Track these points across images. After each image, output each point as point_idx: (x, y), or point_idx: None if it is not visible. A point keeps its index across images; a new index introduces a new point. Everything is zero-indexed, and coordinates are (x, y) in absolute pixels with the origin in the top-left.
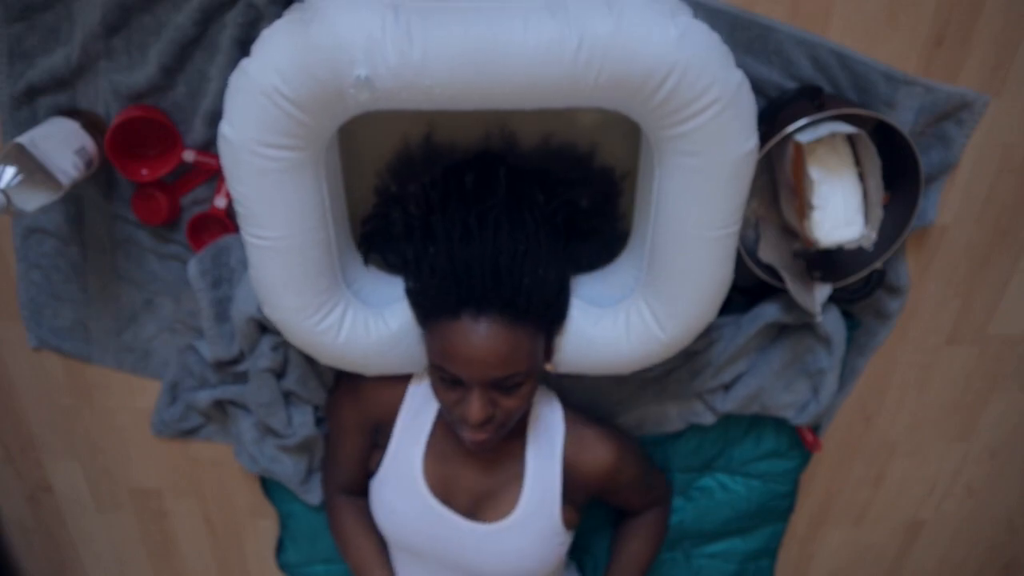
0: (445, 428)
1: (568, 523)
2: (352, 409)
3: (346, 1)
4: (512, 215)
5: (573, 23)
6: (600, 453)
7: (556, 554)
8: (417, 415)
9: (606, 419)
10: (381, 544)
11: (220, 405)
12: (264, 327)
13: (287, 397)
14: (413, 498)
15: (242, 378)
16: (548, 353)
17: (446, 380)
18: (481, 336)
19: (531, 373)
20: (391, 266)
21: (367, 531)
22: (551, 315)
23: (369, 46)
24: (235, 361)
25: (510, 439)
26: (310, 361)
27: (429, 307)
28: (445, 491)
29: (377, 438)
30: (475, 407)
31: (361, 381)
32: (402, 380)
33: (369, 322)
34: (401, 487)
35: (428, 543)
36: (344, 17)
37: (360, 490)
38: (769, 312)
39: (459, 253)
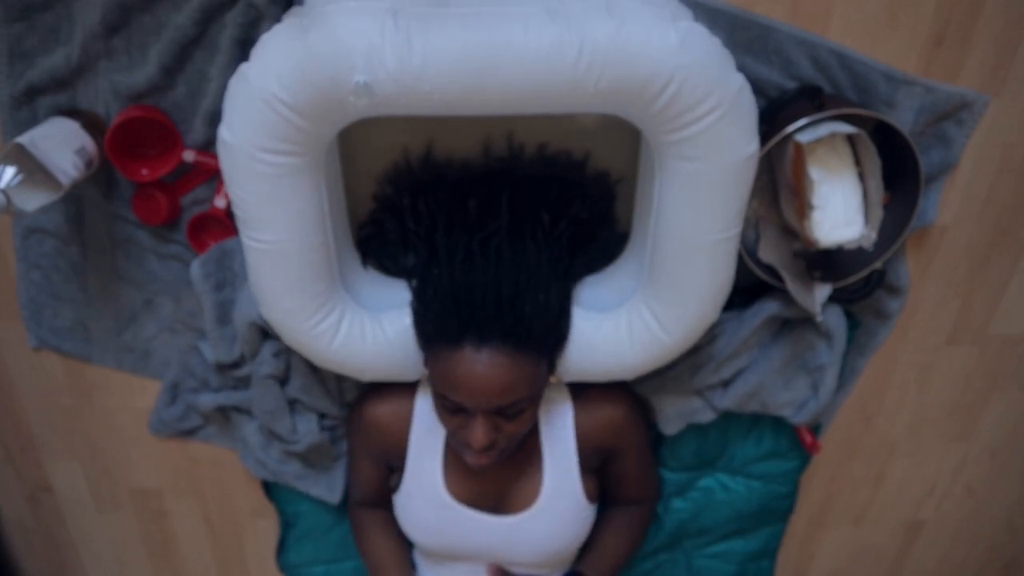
0: None
1: (590, 495)
2: (362, 440)
3: (346, 7)
4: (514, 241)
5: (573, 28)
6: (610, 408)
7: (583, 528)
8: (429, 431)
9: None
10: (400, 548)
11: (223, 410)
12: (266, 333)
13: (291, 405)
14: (439, 508)
15: (244, 383)
16: (551, 368)
17: (448, 407)
18: (484, 366)
19: (534, 399)
20: (388, 272)
21: (385, 537)
22: (553, 339)
23: (368, 52)
24: (236, 364)
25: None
26: (314, 369)
27: (431, 333)
28: (469, 495)
29: (392, 463)
30: (479, 434)
31: (366, 414)
32: (406, 397)
33: (366, 327)
34: (425, 500)
35: (460, 546)
36: (343, 23)
37: (380, 503)
38: (771, 306)
39: (461, 280)
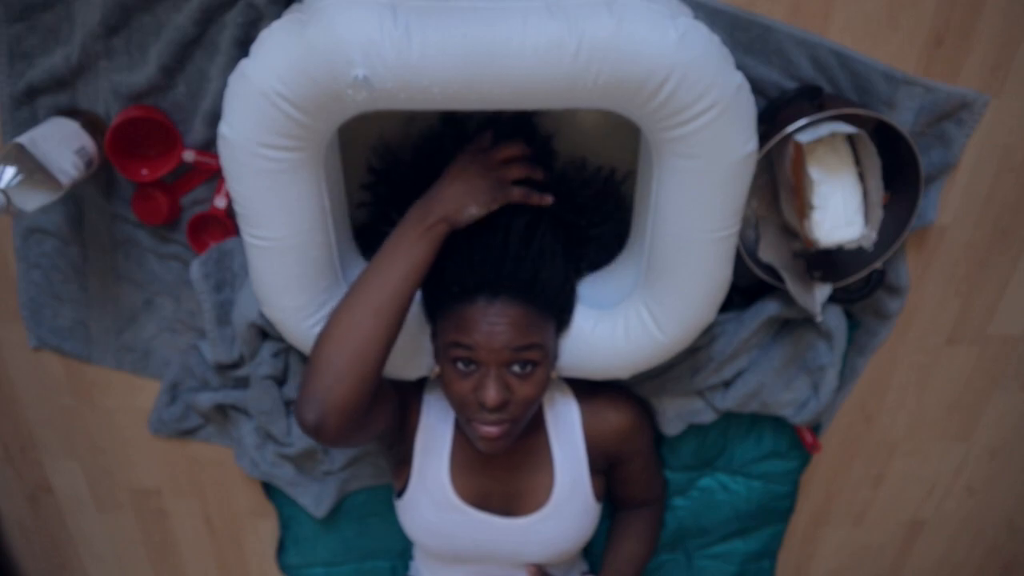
0: (465, 439)
1: (598, 495)
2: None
3: (344, 1)
4: (520, 212)
5: (573, 24)
6: (616, 415)
7: (591, 528)
8: (435, 431)
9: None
10: None
11: (221, 408)
12: (265, 333)
13: (288, 406)
14: (447, 511)
15: (244, 383)
16: (557, 332)
17: (460, 368)
18: (497, 310)
19: (545, 355)
20: None
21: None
22: (561, 305)
23: (367, 46)
24: (236, 365)
25: (532, 433)
26: None
27: (443, 293)
28: (478, 497)
29: (399, 423)
30: (492, 390)
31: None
32: (413, 394)
33: None
34: (433, 503)
35: (468, 548)
36: (342, 17)
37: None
38: (771, 307)
39: (474, 239)
